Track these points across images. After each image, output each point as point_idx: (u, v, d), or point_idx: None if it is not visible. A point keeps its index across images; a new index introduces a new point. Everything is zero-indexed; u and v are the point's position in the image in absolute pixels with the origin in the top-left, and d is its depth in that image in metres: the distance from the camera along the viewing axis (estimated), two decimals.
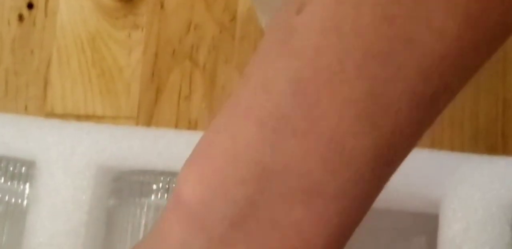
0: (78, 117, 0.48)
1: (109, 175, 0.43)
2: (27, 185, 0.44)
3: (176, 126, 0.48)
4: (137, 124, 0.48)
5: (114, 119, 0.48)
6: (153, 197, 0.45)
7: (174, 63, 0.49)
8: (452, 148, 0.46)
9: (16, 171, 0.44)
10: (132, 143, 0.43)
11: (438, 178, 0.40)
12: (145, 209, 0.45)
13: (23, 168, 0.44)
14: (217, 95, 0.48)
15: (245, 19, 0.49)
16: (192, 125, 0.48)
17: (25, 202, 0.44)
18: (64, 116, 0.48)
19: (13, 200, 0.45)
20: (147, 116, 0.48)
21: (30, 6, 0.50)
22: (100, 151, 0.42)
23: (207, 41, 0.49)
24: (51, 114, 0.48)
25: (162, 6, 0.50)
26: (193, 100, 0.48)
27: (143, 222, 0.45)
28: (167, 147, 0.43)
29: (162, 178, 0.45)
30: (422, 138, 0.45)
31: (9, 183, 0.45)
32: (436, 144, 0.46)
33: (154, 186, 0.45)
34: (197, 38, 0.49)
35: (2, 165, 0.44)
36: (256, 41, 0.49)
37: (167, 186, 0.45)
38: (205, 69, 0.49)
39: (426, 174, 0.40)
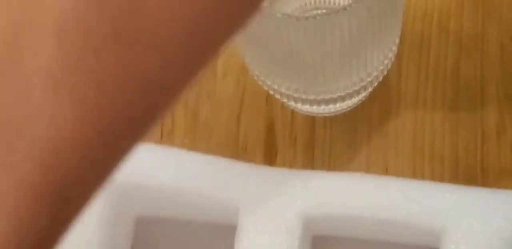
0: None
1: None
2: None
3: None
4: None
5: None
6: None
7: None
8: (433, 180, 0.46)
9: None
10: None
11: (439, 211, 0.40)
12: None
13: None
14: (200, 130, 0.48)
15: (227, 55, 0.50)
16: None
17: None
18: None
19: None
20: None
21: None
22: None
23: None
24: None
25: None
26: (176, 135, 0.48)
27: None
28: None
29: None
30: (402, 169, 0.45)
31: None
32: (417, 176, 0.46)
33: None
34: None
35: None
36: (238, 76, 0.49)
37: None
38: (188, 104, 0.49)
39: (427, 207, 0.40)
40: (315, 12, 0.47)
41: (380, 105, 0.48)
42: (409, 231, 0.41)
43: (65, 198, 0.21)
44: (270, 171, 0.42)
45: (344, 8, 0.34)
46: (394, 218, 0.40)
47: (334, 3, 0.47)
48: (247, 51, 0.41)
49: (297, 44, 0.36)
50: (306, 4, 0.47)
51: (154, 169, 0.43)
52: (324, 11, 0.47)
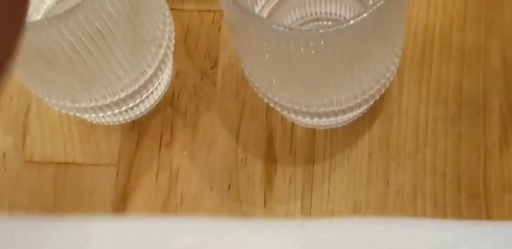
0: (58, 165, 0.48)
1: None
2: None
3: (157, 173, 0.47)
4: (117, 171, 0.47)
5: (94, 166, 0.48)
6: None
7: (155, 110, 0.48)
8: (434, 195, 0.46)
9: None
10: None
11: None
12: None
13: None
14: (199, 142, 0.48)
15: (226, 66, 0.49)
16: (173, 173, 0.47)
17: None
18: (43, 163, 0.48)
19: None
20: (128, 163, 0.48)
21: None
22: None
23: (188, 88, 0.49)
24: (30, 162, 0.48)
25: None
26: (174, 147, 0.48)
27: None
28: None
29: None
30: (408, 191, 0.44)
31: None
32: (418, 192, 0.46)
33: None
34: (178, 85, 0.49)
35: None
36: (237, 87, 0.49)
37: None
38: (187, 116, 0.48)
39: (435, 245, 0.39)
40: (316, 23, 0.47)
41: (381, 119, 0.47)
42: None
43: None
44: (262, 225, 0.41)
45: (348, 22, 0.34)
46: None
47: (336, 15, 0.46)
48: (247, 63, 0.41)
49: (298, 57, 0.36)
50: (307, 15, 0.47)
51: None
52: (325, 22, 0.46)
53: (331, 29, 0.34)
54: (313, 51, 0.35)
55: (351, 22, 0.33)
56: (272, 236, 0.40)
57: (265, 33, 0.35)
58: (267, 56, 0.37)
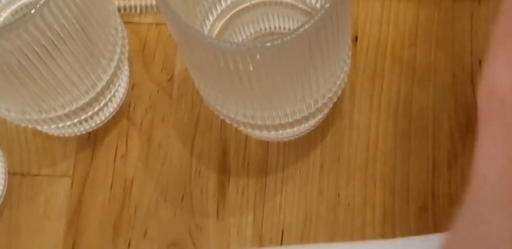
0: (13, 175, 0.48)
1: None
2: None
3: (112, 184, 0.48)
4: (72, 182, 0.48)
5: (49, 177, 0.48)
6: None
7: (111, 121, 0.49)
8: (384, 208, 0.46)
9: None
10: None
11: None
12: None
13: None
14: (154, 153, 0.48)
15: (182, 79, 0.50)
16: (128, 184, 0.48)
17: None
18: None
19: None
20: (83, 174, 0.48)
21: None
22: None
23: (144, 100, 0.50)
24: None
25: None
26: (129, 158, 0.48)
27: None
28: None
29: None
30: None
31: None
32: (368, 205, 0.46)
33: None
34: (134, 97, 0.50)
35: None
36: (193, 100, 0.49)
37: None
38: (142, 128, 0.49)
39: None
40: (270, 38, 0.47)
41: (333, 132, 0.48)
42: None
43: None
44: None
45: (283, 37, 0.34)
46: None
47: (289, 30, 0.47)
48: (195, 77, 0.42)
49: (237, 72, 0.36)
50: (261, 30, 0.47)
51: None
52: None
53: (267, 44, 0.34)
54: (251, 66, 0.35)
55: (286, 37, 0.34)
56: None
57: (204, 48, 0.35)
58: (210, 70, 0.37)
